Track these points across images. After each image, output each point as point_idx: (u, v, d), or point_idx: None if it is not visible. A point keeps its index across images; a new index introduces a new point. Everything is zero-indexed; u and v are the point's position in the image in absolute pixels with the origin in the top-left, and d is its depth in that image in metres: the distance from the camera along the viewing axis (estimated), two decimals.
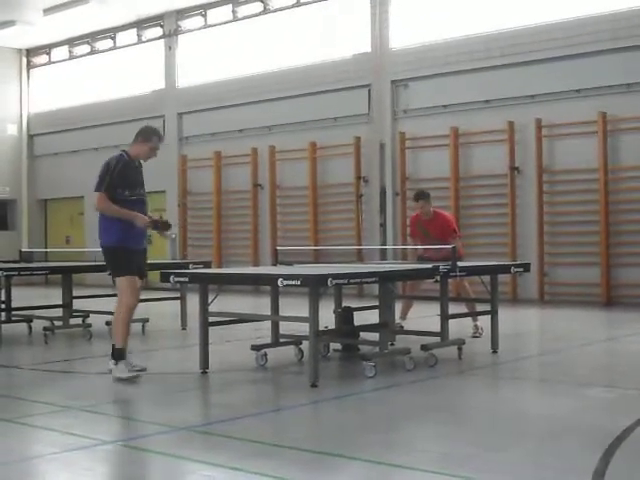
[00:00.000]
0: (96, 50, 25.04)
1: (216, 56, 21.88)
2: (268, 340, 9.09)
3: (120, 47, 24.40)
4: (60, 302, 11.81)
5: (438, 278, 8.58)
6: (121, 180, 7.92)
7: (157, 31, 23.22)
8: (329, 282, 7.32)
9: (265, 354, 8.68)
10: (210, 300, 8.25)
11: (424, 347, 8.56)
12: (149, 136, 8.10)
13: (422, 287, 11.74)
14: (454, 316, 9.37)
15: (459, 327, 10.56)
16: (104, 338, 11.06)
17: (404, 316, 11.21)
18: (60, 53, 26.10)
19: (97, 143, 24.41)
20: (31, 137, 26.71)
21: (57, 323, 11.59)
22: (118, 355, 7.86)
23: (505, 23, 17.01)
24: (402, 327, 10.82)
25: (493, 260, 14.24)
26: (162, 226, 8.24)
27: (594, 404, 6.82)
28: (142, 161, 8.25)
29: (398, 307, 10.77)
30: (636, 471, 4.85)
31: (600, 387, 7.54)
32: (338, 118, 19.42)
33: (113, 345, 7.94)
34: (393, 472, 4.91)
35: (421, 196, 11.18)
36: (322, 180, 19.67)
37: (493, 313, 9.51)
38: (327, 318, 8.91)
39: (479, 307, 10.52)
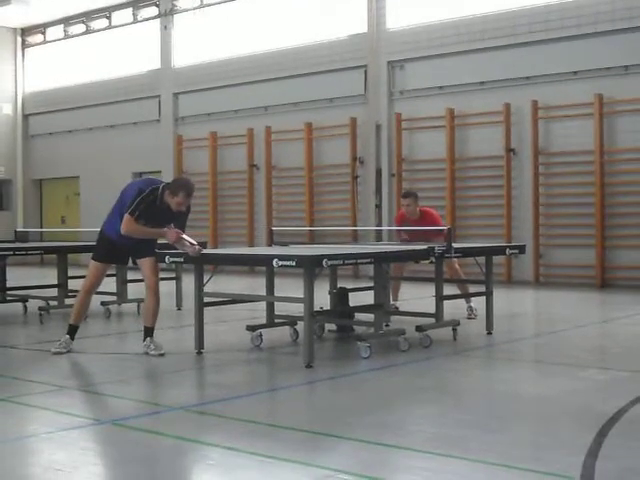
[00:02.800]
0: (91, 29, 24.91)
1: (212, 36, 21.77)
2: (263, 321, 9.10)
3: (115, 26, 24.28)
4: (55, 282, 11.81)
5: (433, 259, 8.61)
6: (143, 213, 8.14)
7: (153, 10, 23.11)
8: (324, 263, 7.33)
9: (260, 334, 8.70)
10: (205, 280, 8.26)
11: (419, 328, 8.58)
12: (176, 190, 8.10)
13: (413, 268, 11.72)
14: (449, 297, 9.40)
15: (453, 309, 10.59)
16: (99, 318, 11.08)
17: (395, 297, 11.21)
18: (55, 32, 25.96)
19: (92, 123, 24.39)
20: (26, 117, 26.61)
21: (52, 303, 11.59)
22: (69, 330, 8.43)
23: (502, 4, 16.93)
24: (397, 308, 10.85)
25: (488, 242, 14.27)
26: (191, 250, 8.16)
27: (588, 385, 6.85)
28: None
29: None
30: (629, 451, 4.87)
31: (594, 368, 7.56)
32: (334, 99, 19.37)
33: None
34: (387, 452, 4.93)
35: (409, 195, 11.19)
36: (318, 161, 19.64)
37: (488, 294, 9.53)
38: (322, 299, 8.93)
39: (474, 288, 10.53)
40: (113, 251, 8.48)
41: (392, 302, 10.89)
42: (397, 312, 10.38)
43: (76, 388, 6.75)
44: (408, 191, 11.56)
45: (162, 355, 8.12)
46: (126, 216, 8.05)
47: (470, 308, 10.79)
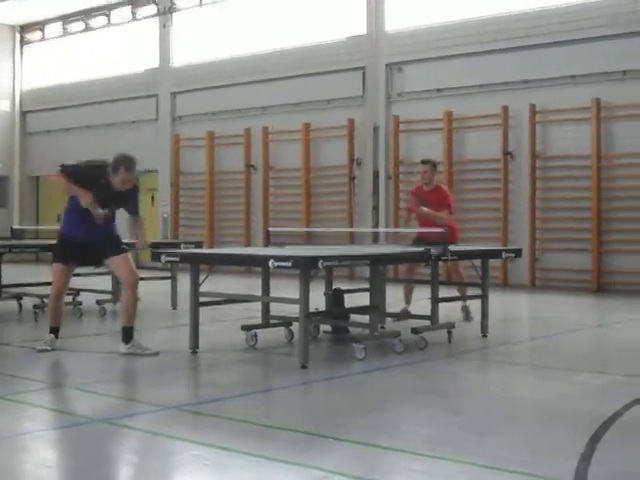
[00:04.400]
0: (90, 27, 24.90)
1: (210, 35, 21.76)
2: (258, 321, 9.10)
3: (114, 24, 24.27)
4: (50, 280, 11.77)
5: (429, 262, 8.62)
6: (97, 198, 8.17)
7: (152, 9, 23.10)
8: (320, 264, 7.33)
9: (255, 335, 8.69)
10: (201, 280, 8.25)
11: (414, 330, 8.58)
12: (116, 167, 8.20)
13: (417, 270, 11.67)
14: (444, 300, 9.39)
15: (449, 311, 10.59)
16: (94, 316, 11.07)
17: (408, 300, 11.02)
18: (54, 30, 25.95)
19: (90, 121, 24.36)
20: (24, 114, 26.58)
21: (47, 301, 11.54)
22: (50, 330, 8.39)
23: (501, 8, 16.95)
24: (409, 312, 10.66)
25: (484, 244, 14.26)
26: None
27: (583, 389, 6.85)
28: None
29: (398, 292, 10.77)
30: (622, 456, 4.87)
31: (589, 372, 7.57)
32: (332, 100, 19.37)
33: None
34: (381, 454, 4.92)
35: (427, 161, 11.14)
36: (315, 162, 19.64)
37: (483, 298, 9.53)
38: (318, 300, 8.92)
39: (469, 291, 10.53)
40: (75, 250, 8.29)
41: (404, 306, 10.83)
42: (409, 315, 10.17)
43: (70, 386, 6.74)
44: (427, 158, 11.40)
45: (156, 354, 8.08)
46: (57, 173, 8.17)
47: (466, 309, 10.73)
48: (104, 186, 8.10)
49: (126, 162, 8.21)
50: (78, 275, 12.48)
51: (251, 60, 20.72)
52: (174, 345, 9.00)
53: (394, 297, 11.50)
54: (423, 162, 11.19)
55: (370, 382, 7.19)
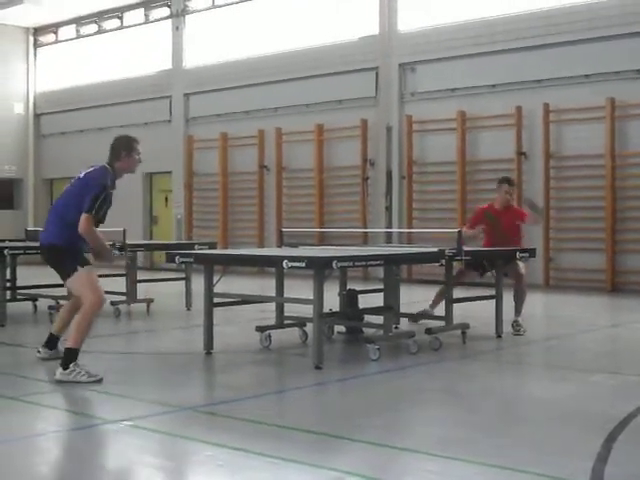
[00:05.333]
0: (103, 30, 24.97)
1: (223, 37, 21.79)
2: (272, 322, 9.10)
3: (127, 27, 24.33)
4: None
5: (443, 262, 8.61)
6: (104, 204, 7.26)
7: (164, 11, 23.15)
8: (334, 264, 7.33)
9: (269, 335, 8.70)
10: (215, 281, 8.26)
11: (428, 331, 8.57)
12: (129, 149, 7.66)
13: (426, 271, 11.51)
14: (459, 300, 9.37)
15: (463, 311, 10.57)
16: (109, 318, 11.09)
17: (434, 305, 10.39)
18: (67, 32, 26.03)
19: (104, 123, 24.37)
20: (38, 116, 26.68)
21: (62, 302, 11.59)
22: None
23: (514, 7, 16.91)
24: (430, 313, 10.24)
25: None
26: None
27: (597, 390, 6.83)
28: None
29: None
30: (638, 457, 4.86)
31: (604, 373, 7.54)
32: (345, 100, 19.36)
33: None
34: (395, 454, 4.92)
35: (512, 183, 10.72)
36: (328, 162, 19.64)
37: (498, 298, 9.52)
38: (332, 300, 8.92)
39: (483, 292, 10.50)
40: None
41: (427, 308, 10.42)
42: (427, 316, 10.00)
43: (85, 388, 6.75)
44: (508, 177, 10.96)
45: (100, 380, 6.87)
46: (86, 215, 6.97)
47: (516, 323, 9.94)
48: (109, 193, 7.41)
49: (132, 139, 7.75)
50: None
51: (264, 61, 20.73)
52: (188, 346, 9.02)
53: (408, 298, 11.50)
54: (511, 183, 10.71)
55: (384, 383, 7.19)
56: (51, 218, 7.37)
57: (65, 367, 6.87)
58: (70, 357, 6.91)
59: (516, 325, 9.86)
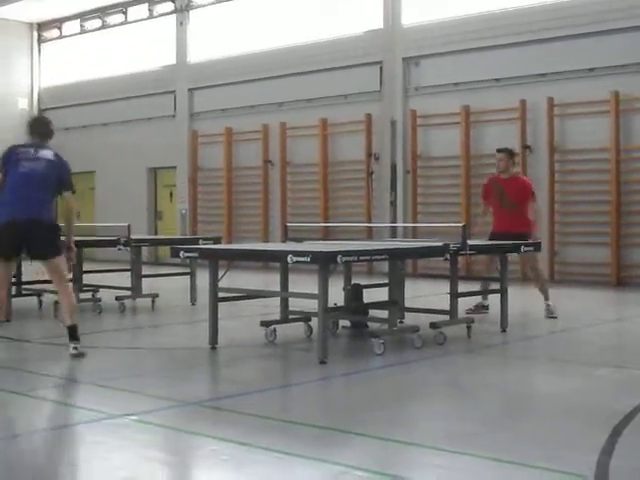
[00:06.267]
0: (107, 25, 24.97)
1: (227, 32, 21.78)
2: (277, 316, 9.11)
3: (131, 22, 24.32)
4: (70, 276, 11.82)
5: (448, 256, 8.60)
6: None
7: (168, 6, 23.14)
8: (339, 259, 7.32)
9: (274, 330, 8.70)
10: (220, 276, 8.26)
11: (433, 325, 8.57)
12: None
13: (430, 265, 11.65)
14: (463, 294, 9.36)
15: (467, 306, 10.57)
16: (114, 313, 11.11)
17: (485, 296, 10.77)
18: (71, 27, 26.04)
19: (108, 118, 24.45)
20: (42, 111, 26.64)
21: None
22: None
23: (518, 1, 16.87)
24: (485, 306, 10.76)
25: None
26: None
27: (602, 384, 6.83)
28: None
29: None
30: None
31: (609, 367, 7.53)
32: (349, 95, 19.34)
33: None
34: (401, 449, 4.93)
35: (503, 150, 11.13)
36: (333, 157, 19.62)
37: (503, 292, 9.51)
38: (336, 295, 8.92)
39: (490, 286, 10.51)
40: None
41: (481, 300, 10.77)
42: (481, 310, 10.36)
43: (90, 382, 6.77)
44: (504, 147, 11.35)
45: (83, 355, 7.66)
46: (70, 194, 7.98)
47: (548, 307, 10.68)
48: None
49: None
50: (95, 272, 12.59)
51: (268, 56, 20.72)
52: (193, 341, 9.03)
53: (413, 292, 11.51)
54: (499, 150, 11.16)
55: (389, 377, 7.19)
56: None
57: (78, 339, 7.69)
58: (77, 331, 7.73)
59: (548, 308, 10.64)
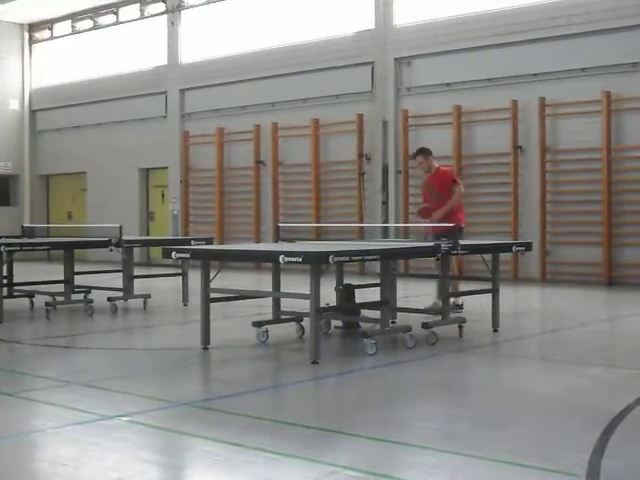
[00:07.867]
0: (99, 25, 24.93)
1: (219, 32, 21.77)
2: (269, 317, 9.11)
3: (123, 22, 24.30)
4: (62, 278, 11.83)
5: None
6: None
7: (160, 6, 23.12)
8: (330, 259, 7.32)
9: (266, 331, 8.70)
10: (212, 276, 8.26)
11: (425, 325, 8.57)
12: None
13: (423, 265, 11.70)
14: (455, 294, 9.37)
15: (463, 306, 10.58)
16: (105, 314, 11.09)
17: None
18: (62, 28, 25.99)
19: (99, 119, 24.42)
20: (33, 112, 26.62)
21: (59, 298, 11.60)
22: None
23: (510, 1, 16.89)
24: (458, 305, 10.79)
25: (495, 239, 14.23)
26: None
27: (594, 383, 6.84)
28: None
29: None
30: (635, 449, 4.87)
31: (600, 366, 7.55)
32: (341, 95, 19.35)
33: None
34: (393, 449, 4.93)
35: (418, 152, 11.40)
36: (324, 157, 19.63)
37: (494, 292, 9.52)
38: (328, 295, 8.93)
39: (480, 286, 10.51)
40: None
41: (454, 300, 10.66)
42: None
43: (82, 383, 6.76)
44: (419, 148, 11.62)
45: None
46: None
47: (455, 304, 10.61)
48: None
49: None
50: (87, 273, 12.58)
51: (259, 56, 20.71)
52: (185, 341, 9.02)
53: (404, 292, 11.51)
54: (414, 155, 11.55)
55: (381, 377, 7.20)
56: None
57: None
58: None
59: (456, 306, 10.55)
